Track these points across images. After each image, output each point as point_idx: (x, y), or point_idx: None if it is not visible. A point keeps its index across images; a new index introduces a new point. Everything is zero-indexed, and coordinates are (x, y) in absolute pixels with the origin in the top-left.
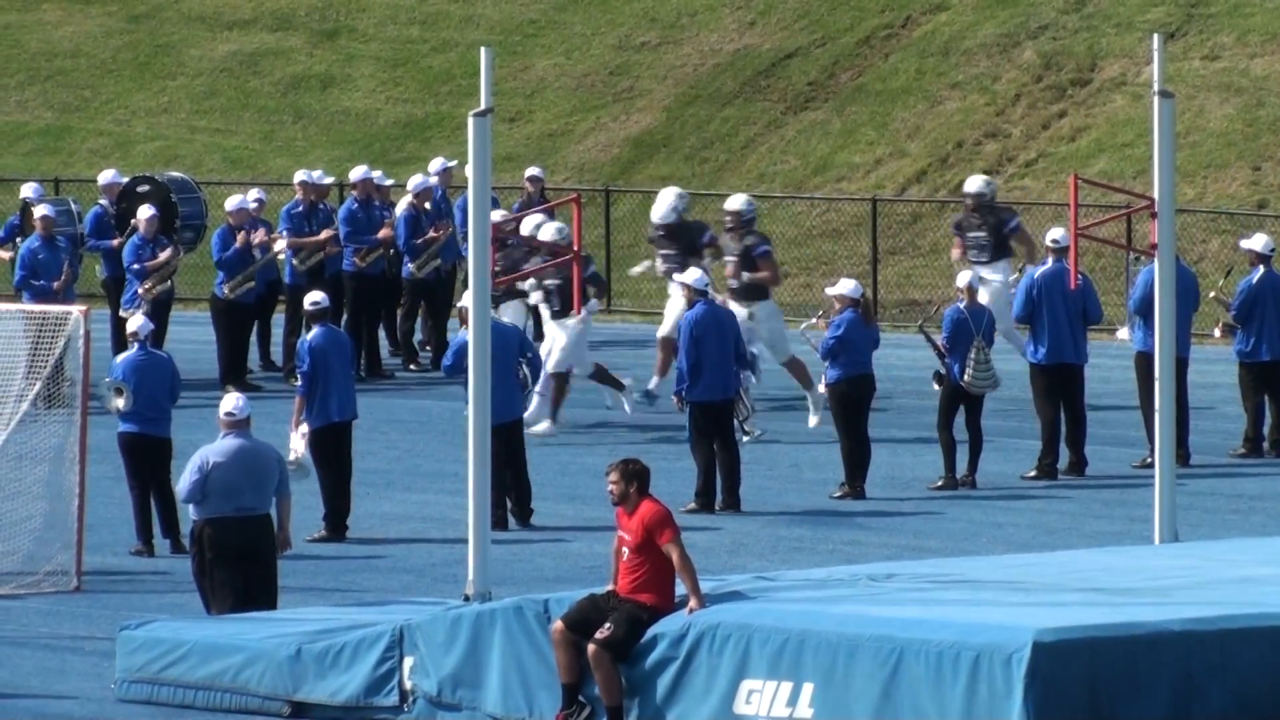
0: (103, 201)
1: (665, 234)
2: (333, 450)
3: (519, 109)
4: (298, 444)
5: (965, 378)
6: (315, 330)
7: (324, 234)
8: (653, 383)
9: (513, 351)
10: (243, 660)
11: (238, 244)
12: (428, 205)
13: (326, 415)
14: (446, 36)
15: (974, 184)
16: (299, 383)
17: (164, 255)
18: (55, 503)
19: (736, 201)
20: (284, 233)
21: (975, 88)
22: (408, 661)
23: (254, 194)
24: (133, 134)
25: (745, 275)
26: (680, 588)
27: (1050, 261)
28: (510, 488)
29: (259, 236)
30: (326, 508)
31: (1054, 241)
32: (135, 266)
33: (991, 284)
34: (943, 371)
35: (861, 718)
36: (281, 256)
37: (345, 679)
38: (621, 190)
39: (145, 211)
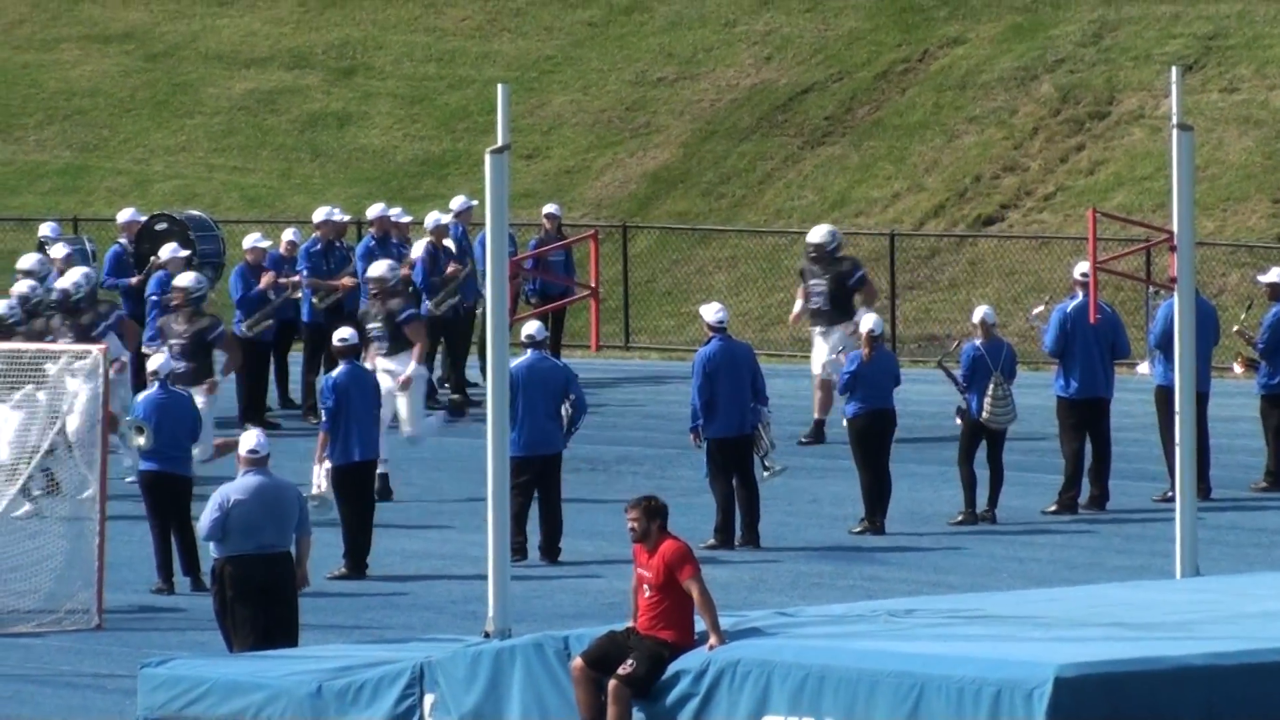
0: (122, 240)
1: (817, 257)
2: (354, 488)
3: (536, 145)
4: (320, 479)
5: (984, 414)
6: (341, 367)
7: (345, 280)
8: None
9: (558, 388)
10: (264, 698)
11: (261, 285)
12: (446, 242)
13: (348, 454)
14: (463, 73)
15: (816, 234)
16: (323, 418)
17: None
18: (76, 541)
19: (819, 234)
20: (302, 272)
21: (993, 121)
22: (428, 698)
23: (288, 234)
24: (151, 173)
25: (856, 298)
26: (700, 624)
27: (1081, 295)
28: (541, 522)
29: (269, 279)
30: (346, 544)
31: (1083, 275)
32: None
33: (831, 334)
34: (963, 406)
35: None
36: (299, 295)
37: (366, 716)
38: (639, 226)
39: (172, 250)
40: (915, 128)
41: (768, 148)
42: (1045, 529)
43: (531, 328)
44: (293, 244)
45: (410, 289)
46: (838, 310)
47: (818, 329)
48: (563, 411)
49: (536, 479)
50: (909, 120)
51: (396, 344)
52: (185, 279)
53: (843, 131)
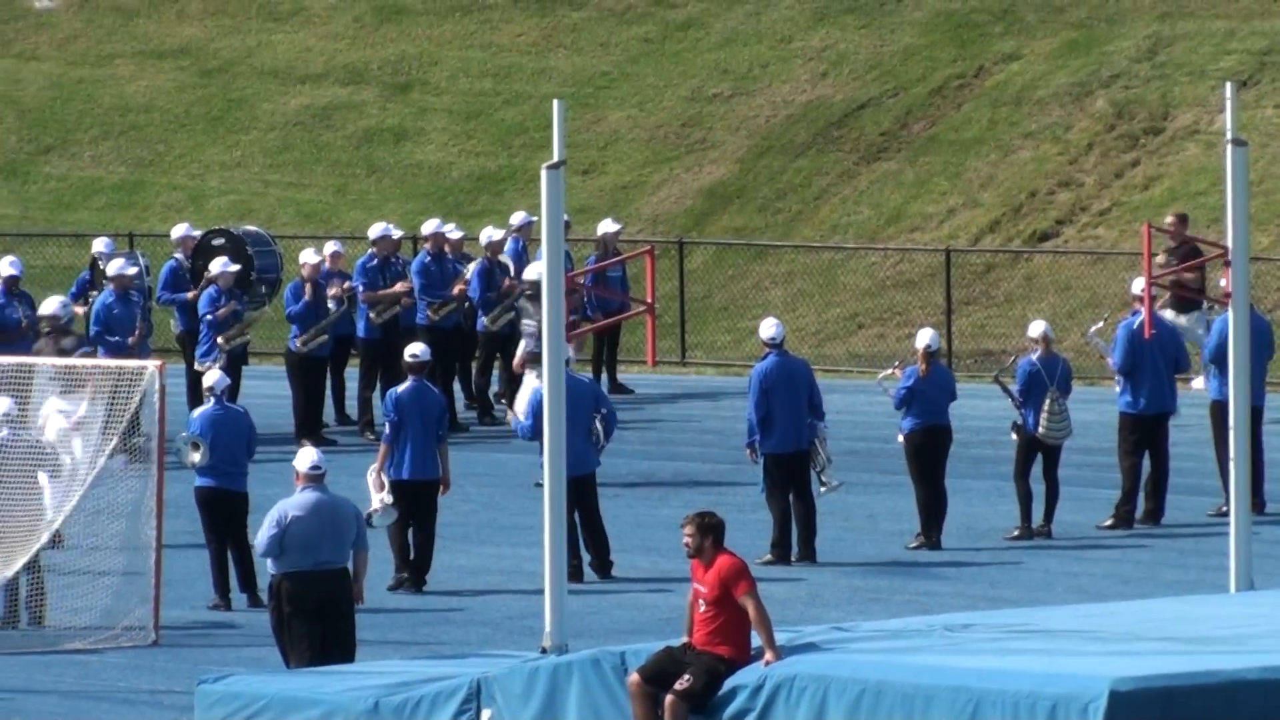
0: (178, 255)
1: (534, 295)
2: (405, 504)
3: (592, 161)
4: (379, 491)
5: (1040, 429)
6: (407, 383)
7: (398, 286)
8: None
9: (587, 406)
10: (320, 714)
11: (308, 298)
12: (501, 258)
13: (400, 471)
14: (519, 89)
15: (531, 272)
16: (385, 431)
17: (227, 309)
18: (133, 557)
19: (534, 271)
20: (357, 287)
21: (1048, 137)
22: (485, 714)
23: (330, 246)
24: (206, 188)
25: None
26: (756, 640)
27: (1142, 312)
28: (587, 542)
29: (334, 290)
30: (397, 556)
31: (1142, 290)
32: (209, 318)
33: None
34: (1019, 421)
35: None
36: (353, 309)
37: None
38: (695, 242)
39: (223, 265)
40: (970, 143)
41: (823, 163)
42: (1100, 543)
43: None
44: (337, 254)
45: (466, 304)
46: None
47: (533, 373)
48: (595, 426)
49: (575, 499)
50: (964, 136)
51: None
52: (49, 306)
53: (898, 147)
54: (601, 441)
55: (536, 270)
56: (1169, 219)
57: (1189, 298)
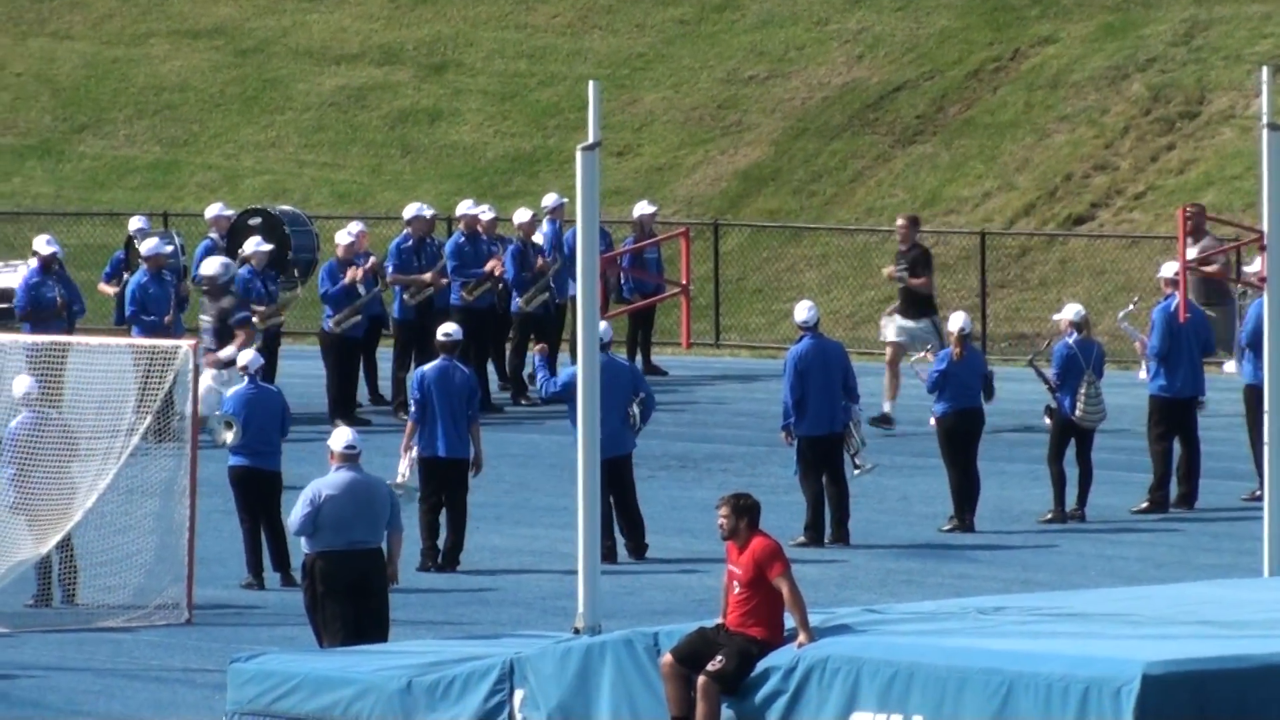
0: (212, 235)
1: (209, 290)
2: (436, 482)
3: (627, 142)
4: (404, 468)
5: (1077, 412)
6: (436, 362)
7: (427, 275)
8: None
9: (625, 388)
10: (354, 693)
11: (345, 280)
12: (535, 238)
13: (432, 448)
14: (554, 70)
15: (209, 267)
16: (411, 409)
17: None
18: (166, 536)
19: (211, 266)
20: (388, 268)
21: (1084, 120)
22: (518, 694)
23: (356, 226)
24: (241, 168)
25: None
26: (790, 621)
27: (1176, 296)
28: (622, 523)
29: (358, 273)
30: (424, 537)
31: (1174, 274)
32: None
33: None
34: (1053, 405)
35: None
36: (390, 291)
37: (456, 712)
38: (730, 224)
39: (257, 245)
40: (1006, 126)
41: (859, 146)
42: (1133, 527)
43: (599, 328)
44: (363, 233)
45: (500, 285)
46: (222, 341)
47: (209, 373)
48: (632, 410)
49: (611, 481)
50: (1000, 119)
51: (224, 342)
52: (209, 267)
53: (934, 130)
54: (638, 424)
55: (213, 265)
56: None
57: (1217, 277)
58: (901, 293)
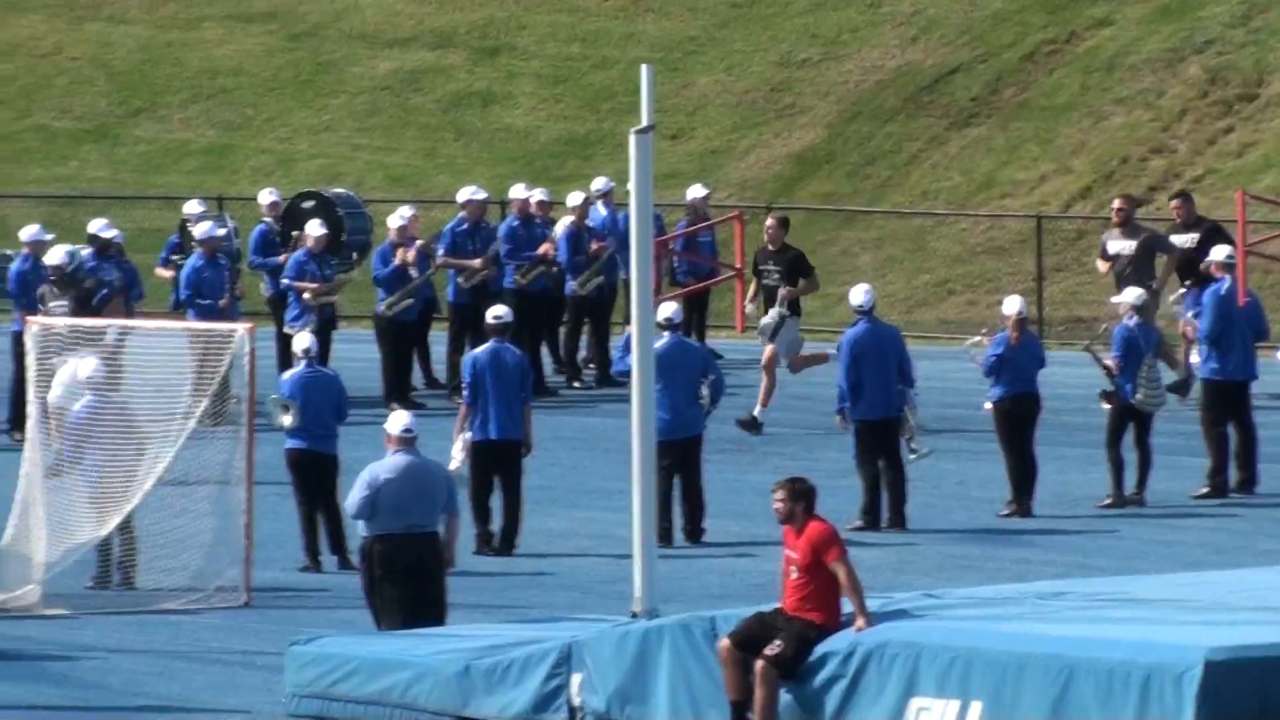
0: (267, 219)
1: (56, 280)
2: (489, 465)
3: (681, 126)
4: (457, 452)
5: (1138, 396)
6: (486, 345)
7: (477, 260)
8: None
9: (694, 369)
10: (411, 676)
11: (396, 262)
12: (588, 222)
13: (485, 430)
14: (607, 54)
15: (54, 256)
16: (464, 393)
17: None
18: (223, 519)
19: (56, 255)
20: (437, 250)
21: (1140, 103)
22: (576, 678)
23: (407, 210)
24: (295, 152)
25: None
26: (847, 606)
27: (1229, 279)
28: (684, 504)
29: (409, 255)
30: (476, 520)
31: (1228, 257)
32: (294, 282)
33: None
34: (1110, 390)
35: None
36: (442, 274)
37: (513, 695)
38: (784, 207)
39: (314, 228)
40: (1062, 109)
41: (913, 129)
42: (1193, 512)
43: (669, 310)
44: (414, 216)
45: (554, 268)
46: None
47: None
48: (702, 392)
49: (678, 462)
50: (1056, 102)
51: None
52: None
53: (989, 113)
54: (708, 407)
55: (57, 254)
56: (1174, 202)
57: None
58: (765, 290)
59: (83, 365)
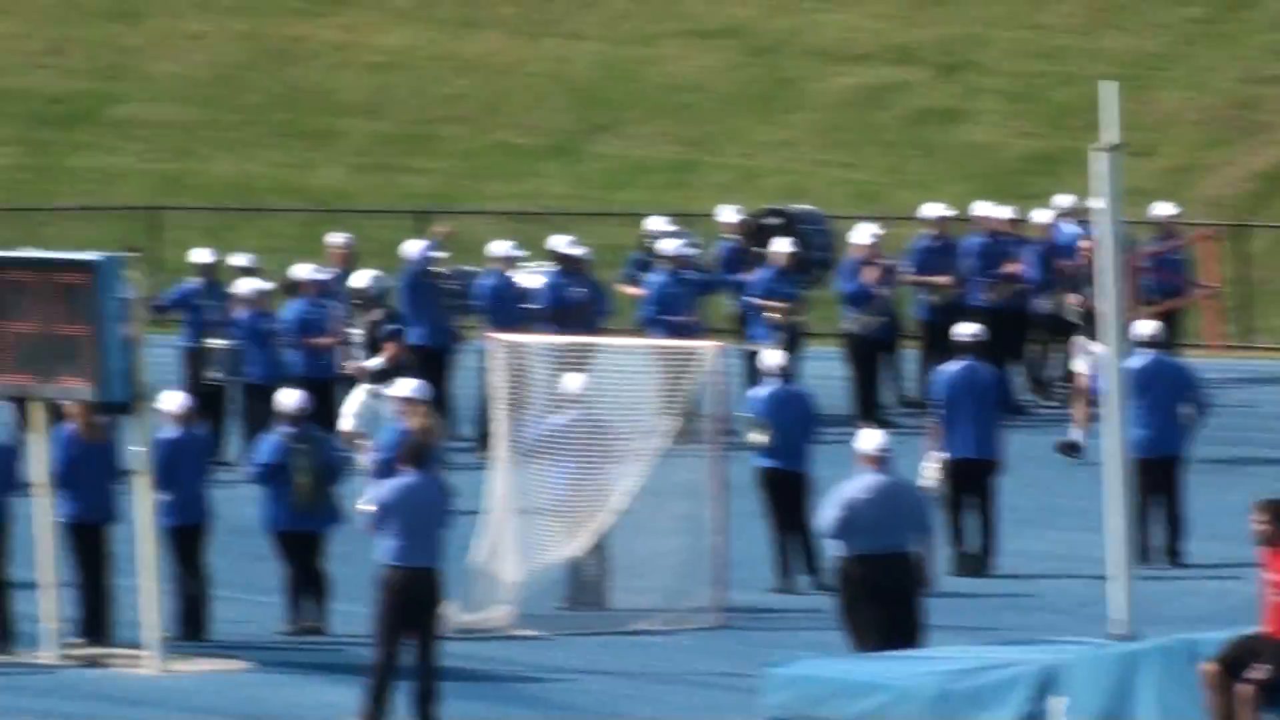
0: (730, 235)
1: None
2: (963, 483)
3: (1145, 143)
4: (930, 471)
5: None
6: (959, 362)
7: (942, 278)
8: None
9: (1173, 387)
10: (887, 699)
11: (862, 279)
12: (1056, 239)
13: (952, 449)
14: (1070, 70)
15: (359, 280)
16: (936, 410)
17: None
18: (694, 538)
19: None
20: (901, 266)
21: None
22: (1057, 702)
23: (873, 227)
24: (758, 168)
25: None
26: None
27: None
28: (1165, 525)
29: (876, 273)
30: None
31: None
32: (760, 299)
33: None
34: None
35: None
36: (908, 291)
37: (991, 719)
38: (1253, 225)
39: (782, 245)
40: None
41: None
42: None
43: (1151, 327)
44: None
45: (1022, 285)
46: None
47: (362, 386)
48: (1186, 410)
49: (1158, 481)
50: None
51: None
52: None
53: None
54: (1190, 426)
55: (364, 279)
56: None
57: None
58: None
59: (571, 379)
